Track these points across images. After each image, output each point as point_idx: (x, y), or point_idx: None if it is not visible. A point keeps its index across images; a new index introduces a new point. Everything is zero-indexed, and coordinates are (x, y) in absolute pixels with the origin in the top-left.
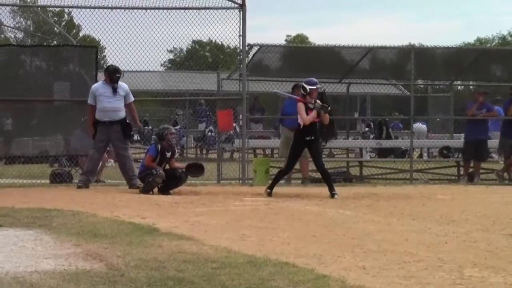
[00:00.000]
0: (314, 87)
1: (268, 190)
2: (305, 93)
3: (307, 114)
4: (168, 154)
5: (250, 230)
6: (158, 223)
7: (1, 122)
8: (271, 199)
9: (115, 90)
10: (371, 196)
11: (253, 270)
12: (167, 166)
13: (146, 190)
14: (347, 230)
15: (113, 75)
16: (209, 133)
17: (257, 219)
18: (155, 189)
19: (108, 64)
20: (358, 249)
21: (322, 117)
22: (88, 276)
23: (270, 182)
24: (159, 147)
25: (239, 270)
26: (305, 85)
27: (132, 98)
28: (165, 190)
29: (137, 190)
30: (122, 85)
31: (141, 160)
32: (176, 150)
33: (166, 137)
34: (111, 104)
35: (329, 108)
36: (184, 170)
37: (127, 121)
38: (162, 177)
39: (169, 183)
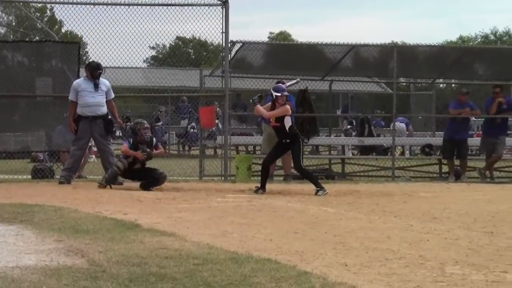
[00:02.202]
0: (279, 94)
1: (261, 191)
2: (272, 98)
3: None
4: (142, 147)
5: (232, 227)
6: (140, 219)
7: None
8: (253, 196)
9: (96, 86)
10: (353, 193)
11: (235, 266)
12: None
13: (110, 178)
14: (329, 227)
15: (94, 71)
16: (192, 130)
17: (239, 215)
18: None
19: (90, 60)
20: (340, 246)
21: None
22: (69, 272)
23: (252, 178)
24: (131, 141)
25: (221, 267)
26: (272, 91)
27: (112, 95)
28: (146, 186)
29: (119, 186)
30: (104, 81)
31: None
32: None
33: (139, 132)
34: (94, 99)
35: (253, 99)
36: (162, 172)
37: (109, 117)
38: (124, 165)
39: (149, 182)
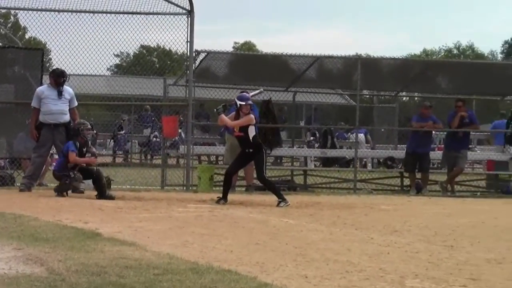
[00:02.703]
0: (244, 103)
1: (223, 201)
2: (236, 107)
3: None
4: (84, 150)
5: (193, 237)
6: (100, 228)
7: None
8: (214, 206)
9: (60, 93)
10: (314, 205)
11: (195, 277)
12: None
13: (61, 190)
14: (290, 239)
15: (58, 78)
16: (154, 139)
17: (200, 226)
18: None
19: (53, 67)
20: (300, 257)
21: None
22: (28, 280)
23: (214, 188)
24: (78, 144)
25: (181, 277)
26: (236, 100)
27: (76, 103)
28: (101, 195)
29: (80, 194)
30: (68, 88)
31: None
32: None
33: (82, 133)
34: (57, 106)
35: (218, 108)
36: (96, 167)
37: (71, 124)
38: (80, 181)
39: (96, 185)
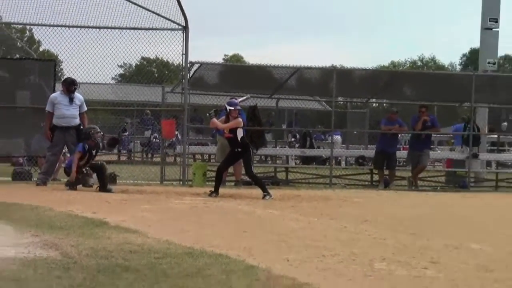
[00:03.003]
0: (233, 108)
1: (214, 194)
2: (226, 112)
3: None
4: (94, 152)
5: (188, 225)
6: (107, 218)
7: None
8: (207, 198)
9: (71, 100)
10: (295, 197)
11: (191, 260)
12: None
13: (72, 185)
14: (274, 227)
15: (70, 86)
16: (154, 140)
17: (195, 216)
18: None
19: (65, 77)
20: (283, 243)
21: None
22: (45, 263)
23: (207, 183)
24: (87, 146)
25: (178, 260)
26: (226, 106)
27: (85, 108)
28: (103, 188)
29: (89, 188)
30: (78, 95)
31: (68, 157)
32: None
33: (92, 136)
34: (69, 111)
35: (210, 113)
36: (101, 161)
37: (81, 127)
38: (90, 176)
39: (98, 177)
